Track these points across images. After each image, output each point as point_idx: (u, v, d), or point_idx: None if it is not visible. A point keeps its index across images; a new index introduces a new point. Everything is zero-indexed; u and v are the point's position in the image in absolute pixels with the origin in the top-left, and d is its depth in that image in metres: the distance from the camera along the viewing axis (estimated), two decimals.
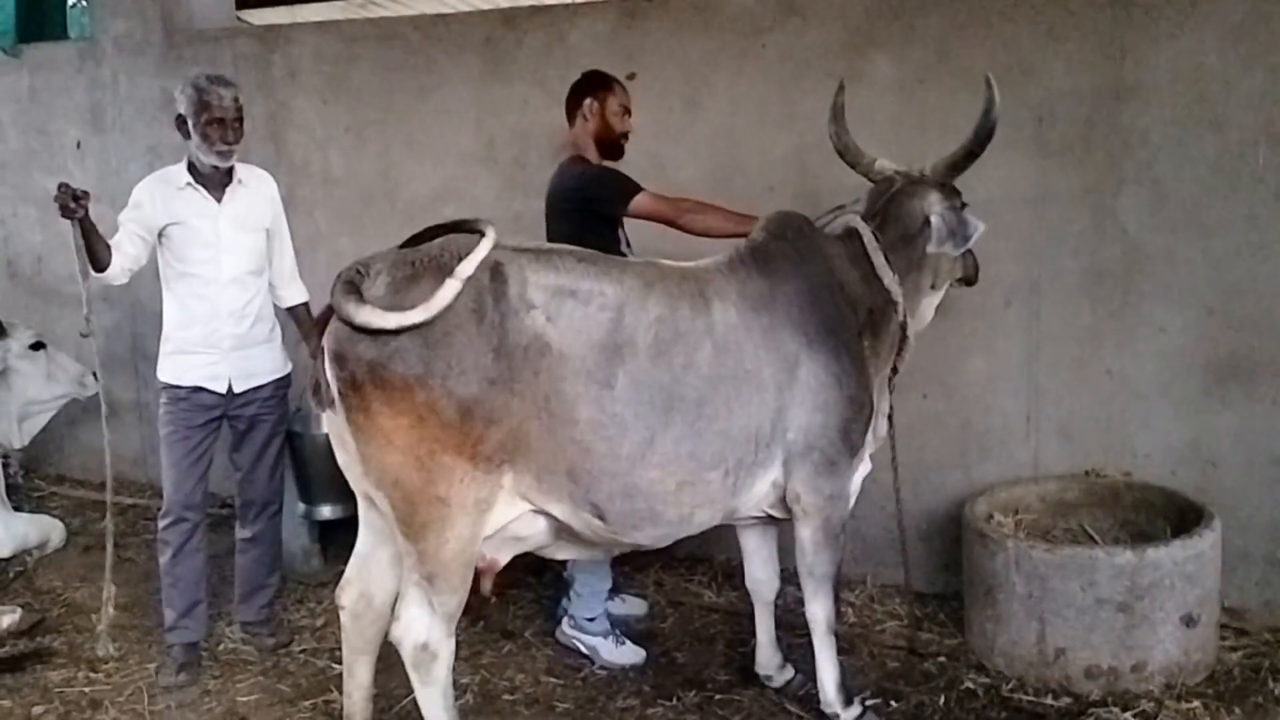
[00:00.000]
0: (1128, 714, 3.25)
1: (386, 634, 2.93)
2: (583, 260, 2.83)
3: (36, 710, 3.59)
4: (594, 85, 3.91)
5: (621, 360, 2.75)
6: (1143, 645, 3.35)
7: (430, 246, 2.73)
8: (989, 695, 3.47)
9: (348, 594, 3.04)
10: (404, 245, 2.80)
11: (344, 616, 3.05)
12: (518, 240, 2.83)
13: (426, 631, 2.79)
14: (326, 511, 4.60)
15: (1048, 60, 3.92)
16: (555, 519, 2.86)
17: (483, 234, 2.67)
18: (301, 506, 4.60)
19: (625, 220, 3.87)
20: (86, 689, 3.72)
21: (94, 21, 5.64)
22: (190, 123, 3.63)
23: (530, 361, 2.65)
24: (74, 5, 9.35)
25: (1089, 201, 3.95)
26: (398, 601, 2.85)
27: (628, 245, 3.95)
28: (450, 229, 2.78)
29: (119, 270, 3.63)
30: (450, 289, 2.56)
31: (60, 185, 3.39)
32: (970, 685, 3.53)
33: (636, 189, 3.72)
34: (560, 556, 3.13)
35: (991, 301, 4.09)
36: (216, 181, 3.73)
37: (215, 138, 3.62)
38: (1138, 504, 3.88)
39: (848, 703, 3.25)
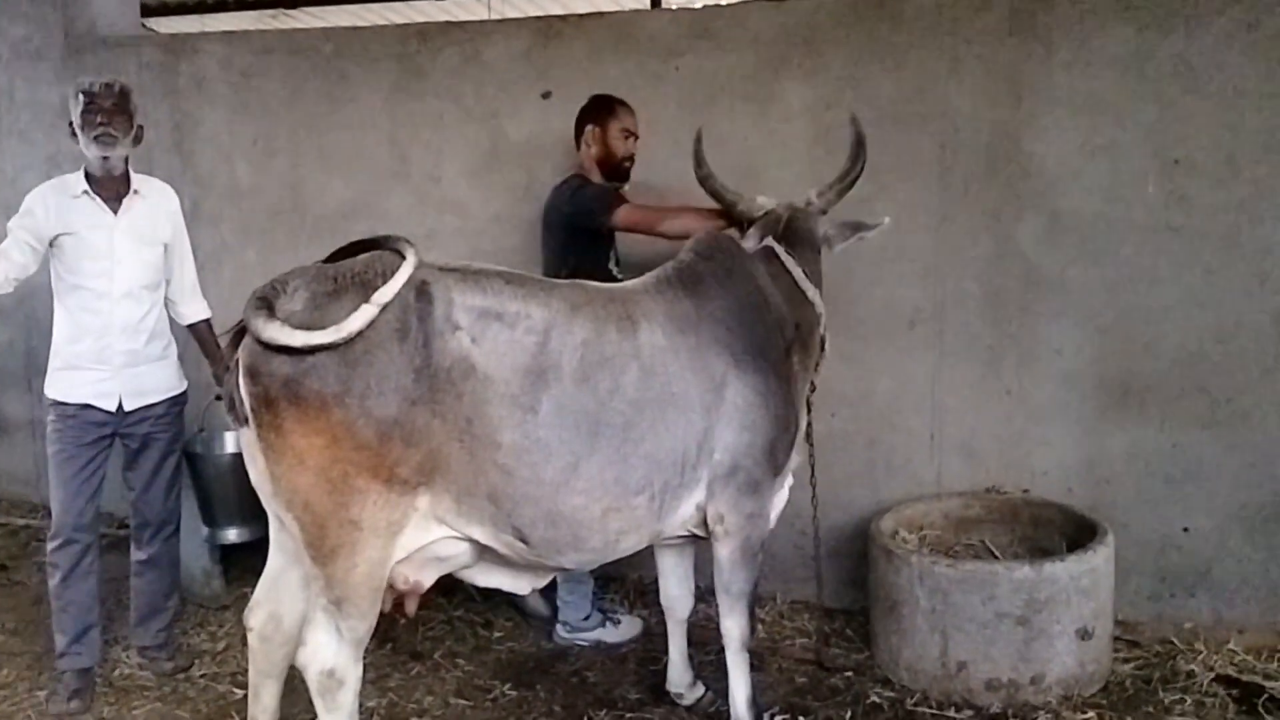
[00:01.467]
0: None
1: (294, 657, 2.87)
2: (510, 282, 2.80)
3: None
4: (596, 111, 3.98)
5: (546, 384, 2.72)
6: (1041, 658, 3.45)
7: (355, 262, 2.67)
8: (894, 709, 3.53)
9: (256, 615, 2.95)
10: (327, 260, 2.74)
11: (252, 639, 2.96)
12: (445, 259, 2.79)
13: (334, 657, 2.72)
14: (231, 535, 4.46)
15: (950, 90, 4.04)
16: (478, 543, 2.84)
17: (404, 256, 2.64)
18: (204, 530, 4.48)
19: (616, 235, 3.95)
20: None
21: None
22: (74, 120, 3.55)
23: (454, 383, 2.62)
24: None
25: (990, 226, 4.08)
26: (305, 626, 2.78)
27: (616, 261, 3.99)
28: (372, 245, 2.73)
29: (3, 279, 3.51)
30: (365, 314, 2.52)
31: None
32: (876, 699, 3.59)
33: (620, 202, 3.78)
34: (483, 583, 3.06)
35: (897, 323, 4.20)
36: (113, 191, 3.63)
37: (92, 123, 3.51)
38: (1035, 520, 4.00)
39: (757, 718, 3.28)
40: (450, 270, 2.75)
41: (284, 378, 2.54)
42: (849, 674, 3.78)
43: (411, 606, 2.99)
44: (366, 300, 2.54)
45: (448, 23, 4.82)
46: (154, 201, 3.73)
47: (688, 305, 3.07)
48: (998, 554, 3.94)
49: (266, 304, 2.57)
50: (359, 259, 2.72)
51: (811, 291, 3.28)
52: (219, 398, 3.95)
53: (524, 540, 2.81)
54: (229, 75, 5.00)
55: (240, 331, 2.66)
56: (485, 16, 6.83)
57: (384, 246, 2.74)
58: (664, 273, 3.20)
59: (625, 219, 3.75)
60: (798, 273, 3.25)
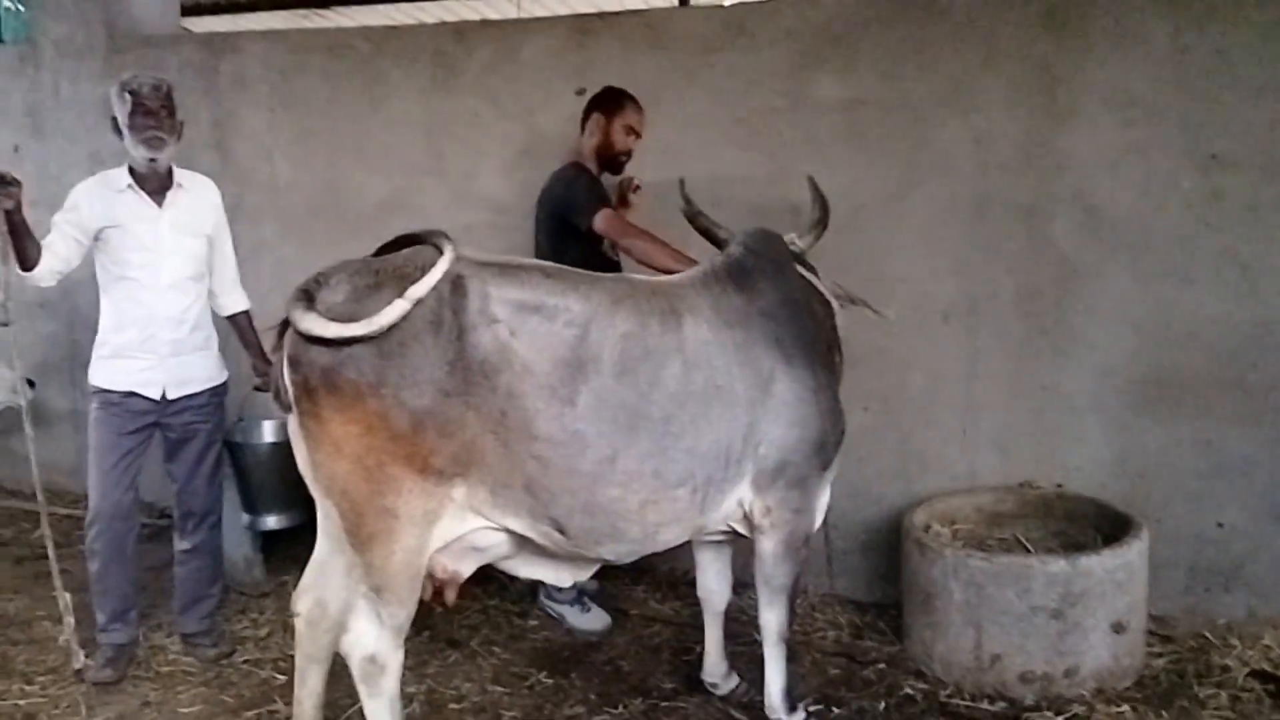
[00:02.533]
0: (1060, 718, 3.36)
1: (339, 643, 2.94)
2: (550, 276, 2.83)
3: None
4: (604, 102, 4.07)
5: (585, 377, 2.75)
6: (1075, 651, 3.46)
7: (395, 257, 2.73)
8: (927, 701, 3.55)
9: (303, 601, 3.01)
10: (375, 254, 2.80)
11: (299, 623, 3.02)
12: (485, 254, 2.84)
13: (375, 643, 2.79)
14: (270, 522, 4.57)
15: (985, 86, 4.05)
16: (515, 534, 2.88)
17: (442, 251, 2.68)
18: (245, 517, 4.56)
19: None
20: (21, 701, 3.64)
21: (34, 25, 5.56)
22: (120, 119, 3.61)
23: (488, 376, 2.66)
24: (7, 7, 9.18)
25: (1024, 221, 4.08)
26: (349, 613, 2.84)
27: (614, 249, 4.04)
28: (418, 240, 2.79)
29: (47, 271, 3.57)
30: (398, 309, 2.56)
31: None
32: (909, 691, 3.61)
33: (602, 206, 3.84)
34: (524, 574, 3.11)
35: (930, 318, 4.21)
36: (156, 185, 3.70)
37: (140, 125, 3.57)
38: (1069, 514, 4.00)
39: (792, 709, 3.31)
40: (488, 265, 2.78)
41: (322, 367, 2.60)
42: (881, 666, 3.80)
43: (450, 595, 3.03)
44: (401, 295, 2.59)
45: (484, 21, 4.88)
46: (197, 194, 3.81)
47: (736, 300, 3.09)
48: (1031, 548, 3.94)
49: (307, 296, 2.63)
50: (401, 254, 2.78)
51: (830, 296, 3.33)
52: (258, 388, 4.05)
53: (561, 531, 2.85)
54: (269, 74, 5.08)
55: (286, 322, 2.73)
56: (514, 14, 6.88)
57: (427, 241, 2.80)
58: (711, 266, 3.22)
59: (601, 225, 3.81)
60: (816, 279, 3.31)
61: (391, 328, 2.56)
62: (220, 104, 5.18)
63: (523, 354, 2.70)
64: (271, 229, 5.18)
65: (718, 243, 3.46)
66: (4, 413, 5.28)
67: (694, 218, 3.54)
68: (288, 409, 2.76)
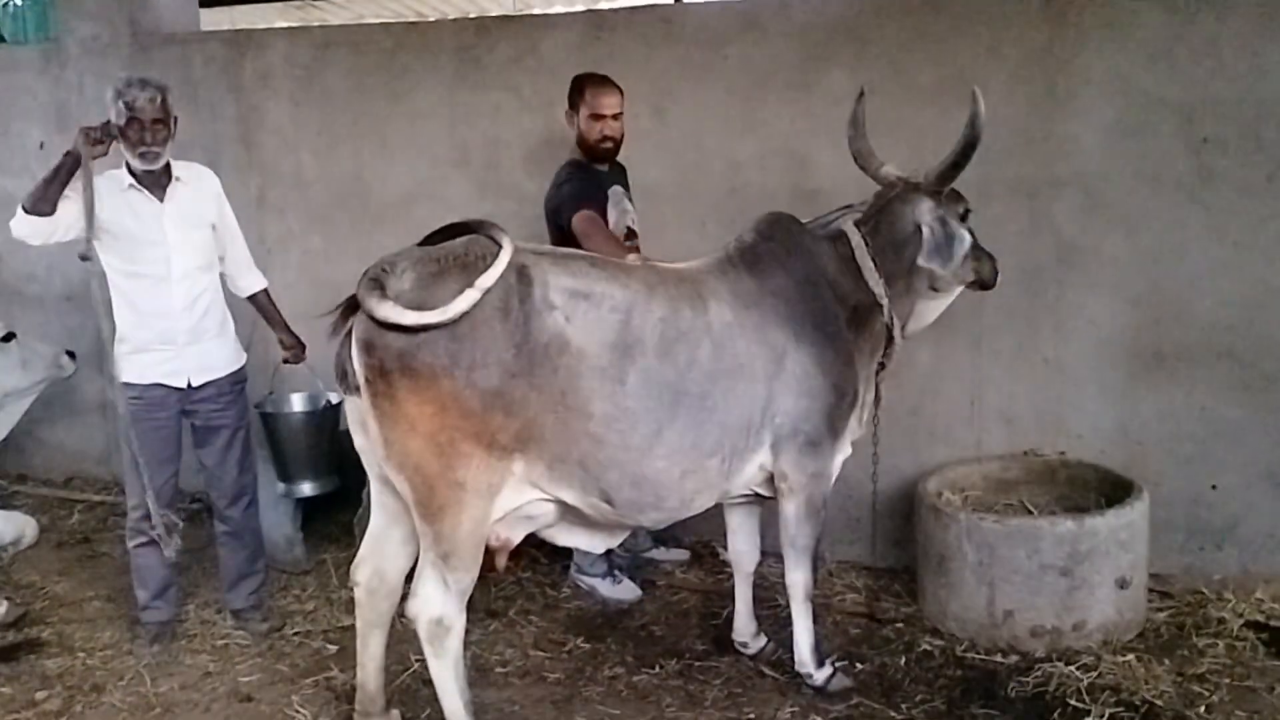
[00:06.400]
0: (1071, 668, 3.59)
1: (399, 609, 3.15)
2: (594, 265, 3.06)
3: (40, 696, 3.70)
4: (571, 94, 4.16)
5: (632, 359, 2.97)
6: (1082, 606, 3.70)
7: (454, 246, 2.92)
8: (944, 655, 3.78)
9: (362, 571, 3.21)
10: (423, 242, 2.99)
11: (359, 592, 3.22)
12: (534, 244, 3.04)
13: (441, 607, 2.99)
14: (305, 489, 4.74)
15: (988, 73, 4.24)
16: (564, 504, 3.09)
17: (499, 244, 2.86)
18: (281, 486, 4.74)
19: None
20: (86, 675, 3.84)
21: (59, 23, 5.68)
22: (113, 121, 3.67)
23: (550, 359, 2.87)
24: (5, 5, 9.27)
25: (1026, 202, 4.29)
26: (415, 579, 3.03)
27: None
28: (465, 229, 2.97)
29: (47, 224, 3.62)
30: (469, 298, 2.76)
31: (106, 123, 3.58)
32: (927, 647, 3.84)
33: (581, 207, 3.95)
34: (564, 542, 3.33)
35: None
36: (155, 182, 3.78)
37: (134, 139, 3.64)
38: (1071, 480, 4.24)
39: (820, 664, 3.54)
40: (544, 254, 3.00)
41: (398, 351, 2.79)
42: (899, 625, 4.03)
43: (501, 561, 3.26)
44: (470, 284, 2.77)
45: (504, 17, 5.07)
46: (195, 185, 3.89)
47: (750, 283, 3.31)
48: (1035, 512, 4.15)
49: (379, 284, 2.82)
50: (456, 242, 2.96)
51: (873, 281, 3.38)
52: (287, 360, 4.22)
53: (609, 502, 3.07)
54: (292, 70, 5.22)
55: (350, 307, 2.91)
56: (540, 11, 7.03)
57: (478, 231, 2.98)
58: (726, 253, 3.42)
59: (576, 226, 3.91)
60: (865, 263, 3.39)
61: (462, 314, 2.75)
62: (245, 100, 5.32)
63: (576, 338, 2.91)
64: (297, 221, 5.34)
65: (862, 168, 3.65)
66: (48, 387, 5.40)
67: (851, 140, 3.67)
68: (354, 391, 2.94)
